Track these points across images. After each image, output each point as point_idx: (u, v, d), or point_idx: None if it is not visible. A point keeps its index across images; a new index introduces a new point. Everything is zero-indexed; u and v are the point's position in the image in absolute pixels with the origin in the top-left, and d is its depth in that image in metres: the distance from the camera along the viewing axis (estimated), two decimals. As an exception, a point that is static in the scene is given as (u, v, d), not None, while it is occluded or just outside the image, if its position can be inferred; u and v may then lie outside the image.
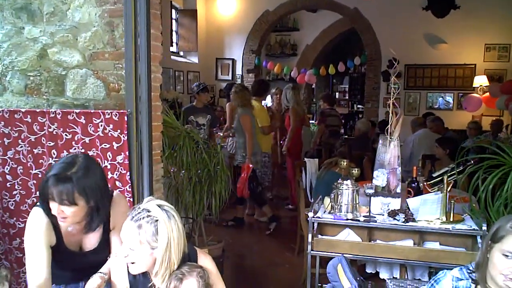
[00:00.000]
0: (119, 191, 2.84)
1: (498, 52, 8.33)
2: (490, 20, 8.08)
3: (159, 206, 1.83)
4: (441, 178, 3.25)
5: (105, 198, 2.08)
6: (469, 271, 1.90)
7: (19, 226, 3.00)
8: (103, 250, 2.15)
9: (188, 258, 1.94)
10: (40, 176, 2.93)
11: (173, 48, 8.97)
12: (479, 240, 2.91)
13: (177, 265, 1.86)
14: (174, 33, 9.03)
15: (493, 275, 1.76)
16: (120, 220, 1.99)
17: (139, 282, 1.96)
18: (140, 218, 1.78)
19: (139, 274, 1.93)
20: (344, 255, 2.61)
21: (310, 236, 3.12)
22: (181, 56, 9.28)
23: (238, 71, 9.79)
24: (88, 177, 1.96)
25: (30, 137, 2.96)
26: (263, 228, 5.73)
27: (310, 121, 8.48)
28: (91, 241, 2.15)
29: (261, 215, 6.03)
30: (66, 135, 2.90)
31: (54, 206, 1.94)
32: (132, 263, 1.84)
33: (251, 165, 5.34)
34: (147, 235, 1.78)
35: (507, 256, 1.71)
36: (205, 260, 2.00)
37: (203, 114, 5.76)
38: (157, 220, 1.79)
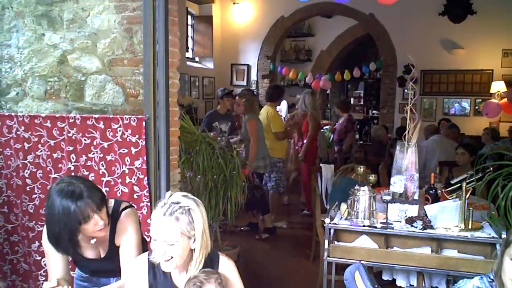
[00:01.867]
0: (136, 195, 2.88)
1: (515, 58, 8.24)
2: (508, 25, 8.00)
3: (185, 196, 1.89)
4: (459, 185, 3.22)
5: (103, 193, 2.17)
6: (489, 280, 1.88)
7: (38, 229, 3.04)
8: (113, 257, 2.21)
9: (211, 261, 1.95)
10: (59, 180, 2.96)
11: (189, 54, 9.04)
12: (498, 248, 2.87)
13: (210, 248, 1.93)
14: (189, 39, 9.09)
15: (504, 281, 1.75)
16: (125, 237, 2.16)
17: (159, 283, 1.97)
18: (174, 211, 1.82)
19: (159, 274, 1.96)
20: (361, 262, 2.59)
21: (326, 242, 3.10)
22: (197, 62, 9.34)
23: (253, 76, 9.81)
24: (84, 182, 2.07)
25: (49, 141, 3.00)
26: (279, 234, 5.72)
27: (325, 127, 8.48)
28: (104, 249, 2.22)
29: (275, 220, 6.01)
30: (85, 140, 2.94)
31: (91, 224, 2.01)
32: (168, 260, 1.85)
33: (246, 171, 5.25)
34: (184, 225, 1.82)
35: None
36: (227, 264, 2.00)
37: (226, 121, 5.71)
38: (189, 209, 1.85)
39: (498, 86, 8.07)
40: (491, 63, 8.36)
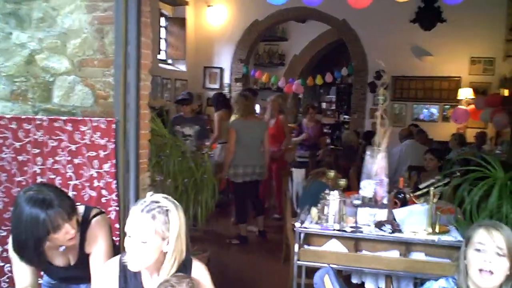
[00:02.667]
0: (105, 199, 2.83)
1: (483, 66, 8.44)
2: (476, 34, 8.21)
3: (165, 197, 1.89)
4: (427, 189, 3.27)
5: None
6: (454, 281, 1.93)
7: (2, 234, 2.95)
8: (83, 265, 2.16)
9: (183, 265, 1.94)
10: (24, 183, 2.89)
11: (161, 56, 8.96)
12: (463, 251, 2.93)
13: (184, 254, 1.90)
14: (162, 41, 9.02)
15: (471, 276, 1.81)
16: (95, 245, 2.13)
17: (130, 286, 1.95)
18: (152, 209, 1.82)
19: (130, 277, 1.93)
20: (331, 265, 2.61)
21: (297, 246, 3.11)
22: (169, 64, 9.26)
23: (226, 80, 9.78)
24: (52, 190, 2.02)
25: (15, 144, 2.93)
26: (249, 237, 5.71)
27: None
28: (74, 257, 2.18)
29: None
30: (52, 142, 2.87)
31: (62, 233, 1.95)
32: (136, 259, 1.83)
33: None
34: (160, 224, 1.81)
35: (478, 250, 1.79)
36: (199, 268, 1.99)
37: (190, 124, 5.61)
38: (167, 210, 1.84)
39: (465, 93, 8.28)
40: (459, 70, 8.55)
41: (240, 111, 5.37)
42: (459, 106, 8.15)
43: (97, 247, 2.13)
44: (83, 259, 2.15)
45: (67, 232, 1.96)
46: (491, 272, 1.76)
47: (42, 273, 2.33)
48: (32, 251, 1.94)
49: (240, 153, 5.27)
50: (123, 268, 1.93)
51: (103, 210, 2.34)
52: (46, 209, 1.90)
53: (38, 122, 2.89)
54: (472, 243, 1.82)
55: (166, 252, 1.86)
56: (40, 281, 2.34)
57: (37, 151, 2.90)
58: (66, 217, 1.94)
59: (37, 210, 1.89)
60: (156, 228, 1.81)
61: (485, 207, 2.89)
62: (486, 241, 1.76)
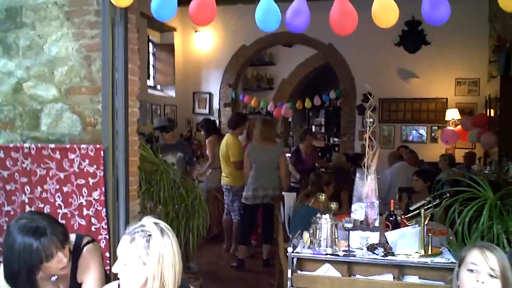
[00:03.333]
0: (94, 228, 2.79)
1: (468, 87, 8.58)
2: (460, 55, 8.36)
3: (155, 223, 1.85)
4: (418, 211, 3.27)
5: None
6: (448, 305, 1.91)
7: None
8: None
9: None
10: (12, 213, 2.84)
11: (150, 82, 8.99)
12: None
13: (173, 287, 1.82)
14: (151, 67, 9.05)
15: None
16: (87, 273, 2.10)
17: None
18: (135, 232, 1.81)
19: None
20: (324, 291, 2.58)
21: (289, 271, 3.07)
22: (158, 90, 9.29)
23: (215, 104, 9.83)
24: (46, 218, 1.99)
25: (2, 173, 2.89)
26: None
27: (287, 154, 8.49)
28: (65, 287, 2.14)
29: (237, 250, 5.93)
30: (40, 170, 2.84)
31: (53, 262, 1.92)
32: (123, 281, 1.82)
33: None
34: (139, 248, 1.78)
35: (472, 270, 1.79)
36: None
37: (173, 152, 5.28)
38: (150, 235, 1.80)
39: (452, 114, 8.37)
40: (445, 91, 8.67)
41: (256, 136, 5.61)
42: (448, 127, 8.23)
43: (90, 275, 2.10)
44: None
45: (60, 260, 1.93)
46: None
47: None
48: (25, 280, 1.90)
49: (252, 176, 5.47)
50: None
51: (93, 238, 2.31)
52: (39, 238, 1.87)
53: (26, 150, 2.86)
54: (465, 263, 1.82)
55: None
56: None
57: (25, 179, 2.87)
58: (59, 245, 1.92)
59: (30, 238, 1.86)
60: (133, 252, 1.79)
61: (476, 228, 2.89)
62: (479, 262, 1.76)
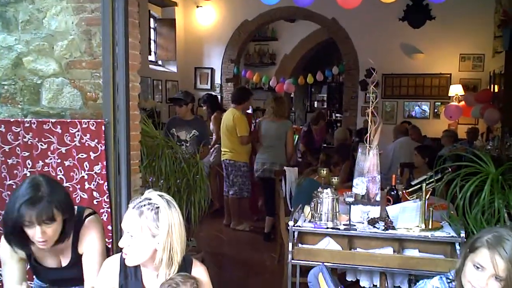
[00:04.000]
0: (96, 201, 2.81)
1: (472, 62, 8.50)
2: (465, 30, 8.26)
3: (160, 195, 1.88)
4: (419, 186, 3.27)
5: (73, 207, 2.09)
6: (448, 280, 1.91)
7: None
8: (76, 266, 2.14)
9: (184, 265, 1.94)
10: (14, 187, 2.86)
11: (152, 57, 8.93)
12: (457, 247, 2.93)
13: (180, 256, 1.88)
14: (152, 42, 8.98)
15: (463, 283, 1.79)
16: (88, 245, 2.10)
17: (129, 283, 1.95)
18: (141, 206, 1.83)
19: (130, 274, 1.94)
20: (325, 263, 2.60)
21: (290, 245, 3.10)
22: (160, 65, 9.24)
23: (217, 80, 9.78)
24: (57, 191, 1.98)
25: (4, 147, 2.89)
26: (242, 238, 5.70)
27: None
28: (66, 258, 2.15)
29: (237, 224, 5.99)
30: (41, 145, 2.84)
31: (35, 231, 1.91)
32: (129, 253, 1.84)
33: None
34: (148, 221, 1.82)
35: (477, 268, 1.73)
36: (199, 269, 2.00)
37: (187, 128, 5.03)
38: (158, 207, 1.84)
39: (456, 90, 8.31)
40: (449, 67, 8.59)
41: (269, 113, 5.79)
42: (451, 103, 8.19)
43: (90, 246, 2.11)
44: (76, 260, 2.13)
45: (35, 234, 1.92)
46: None
47: (33, 276, 2.30)
48: (11, 228, 1.93)
49: (263, 151, 5.71)
50: (123, 265, 1.94)
51: (95, 210, 2.32)
52: (29, 203, 1.88)
53: (27, 125, 2.86)
54: (473, 256, 1.75)
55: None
56: (31, 284, 2.31)
57: (27, 154, 2.88)
58: (41, 220, 1.90)
59: (24, 198, 1.89)
60: (143, 224, 1.81)
61: (477, 202, 2.89)
62: (487, 266, 1.70)
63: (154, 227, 1.82)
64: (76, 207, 2.17)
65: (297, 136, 8.03)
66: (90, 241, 2.12)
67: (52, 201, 1.92)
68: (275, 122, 5.69)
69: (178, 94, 5.42)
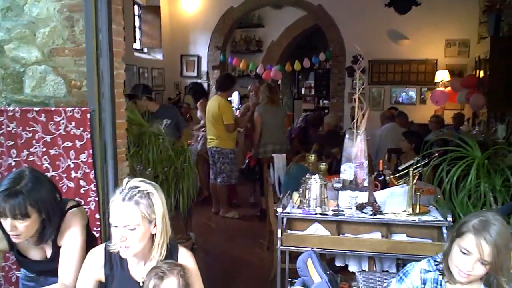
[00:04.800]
0: (83, 190, 2.78)
1: (458, 48, 8.53)
2: (450, 16, 8.27)
3: (143, 181, 1.88)
4: (406, 171, 3.29)
5: (56, 209, 2.04)
6: (436, 263, 1.93)
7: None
8: (57, 259, 2.11)
9: (170, 253, 1.94)
10: (0, 176, 2.81)
11: (137, 45, 8.82)
12: (444, 231, 2.96)
13: (170, 234, 1.92)
14: (137, 30, 8.87)
15: (450, 267, 1.81)
16: (67, 239, 2.07)
17: (116, 274, 1.93)
18: (133, 195, 1.81)
19: (116, 265, 1.93)
20: (314, 249, 2.61)
21: (279, 231, 3.11)
22: (145, 53, 9.13)
23: (204, 67, 9.70)
24: (38, 188, 1.94)
25: (-13, 136, 2.84)
26: (231, 225, 5.70)
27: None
28: (49, 250, 2.14)
29: (227, 211, 5.99)
30: (26, 134, 2.80)
31: (6, 223, 1.90)
32: (128, 246, 1.82)
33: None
34: (144, 208, 1.81)
35: (464, 253, 1.76)
36: (186, 255, 1.99)
37: (156, 120, 4.65)
38: (149, 193, 1.84)
39: (442, 75, 8.35)
40: (435, 53, 8.62)
41: (265, 100, 5.99)
42: (437, 89, 8.22)
43: (69, 240, 2.08)
44: (58, 252, 2.10)
45: (8, 226, 1.90)
46: (469, 274, 1.76)
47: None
48: None
49: (267, 134, 5.91)
50: (108, 255, 1.93)
51: (79, 203, 2.29)
52: (4, 195, 1.86)
53: (10, 113, 2.81)
54: (460, 241, 1.78)
55: (155, 234, 1.87)
56: (18, 274, 2.29)
57: (11, 143, 2.83)
58: (13, 214, 1.87)
59: (1, 189, 1.87)
60: (143, 212, 1.81)
61: (464, 186, 2.92)
62: (473, 250, 1.72)
63: (151, 212, 1.83)
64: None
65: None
66: (70, 236, 2.08)
67: (29, 197, 1.89)
68: (274, 107, 6.03)
69: (133, 89, 5.13)
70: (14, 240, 1.98)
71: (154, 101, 5.26)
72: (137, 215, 1.80)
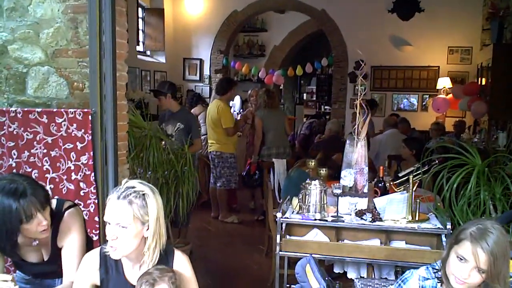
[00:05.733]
0: (83, 192, 2.78)
1: (460, 55, 8.54)
2: (453, 23, 8.29)
3: (141, 183, 1.88)
4: (406, 177, 3.29)
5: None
6: (434, 271, 1.93)
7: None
8: (56, 259, 2.13)
9: (166, 257, 1.93)
10: (-1, 177, 2.82)
11: (140, 48, 8.84)
12: (443, 238, 2.95)
13: (164, 239, 1.90)
14: (140, 32, 8.89)
15: (447, 273, 1.81)
16: (68, 238, 2.09)
17: (111, 278, 1.93)
18: (128, 195, 1.81)
19: (111, 268, 1.92)
20: (313, 255, 2.60)
21: (278, 236, 3.10)
22: (148, 56, 9.15)
23: (206, 71, 9.71)
24: (35, 184, 1.99)
25: (-12, 136, 2.85)
26: (230, 230, 5.70)
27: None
28: (47, 252, 2.15)
29: (226, 216, 5.99)
30: (27, 135, 2.81)
31: (31, 226, 1.91)
32: (119, 246, 1.82)
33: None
34: (137, 209, 1.81)
35: (460, 259, 1.76)
36: (181, 260, 1.98)
37: (173, 121, 4.67)
38: (144, 194, 1.84)
39: (444, 82, 8.36)
40: (438, 60, 8.63)
41: (263, 104, 6.04)
42: (439, 96, 8.23)
43: (70, 239, 2.09)
44: (57, 253, 2.11)
45: (40, 222, 1.92)
46: (465, 282, 1.76)
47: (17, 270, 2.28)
48: (5, 241, 1.90)
49: (271, 137, 5.93)
50: (104, 259, 1.92)
51: (75, 203, 2.30)
52: (18, 199, 1.86)
53: (12, 114, 2.82)
54: (457, 248, 1.78)
55: (147, 237, 1.85)
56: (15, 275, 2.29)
57: (12, 144, 2.84)
58: (39, 207, 1.91)
59: (10, 199, 1.86)
60: (135, 212, 1.80)
61: (463, 194, 2.92)
62: (469, 258, 1.72)
63: (144, 213, 1.82)
64: (55, 199, 2.15)
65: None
66: (70, 235, 2.09)
67: (33, 186, 1.95)
68: (274, 111, 6.06)
69: (159, 85, 5.13)
70: (42, 236, 2.00)
71: (178, 101, 5.21)
72: (129, 214, 1.79)
